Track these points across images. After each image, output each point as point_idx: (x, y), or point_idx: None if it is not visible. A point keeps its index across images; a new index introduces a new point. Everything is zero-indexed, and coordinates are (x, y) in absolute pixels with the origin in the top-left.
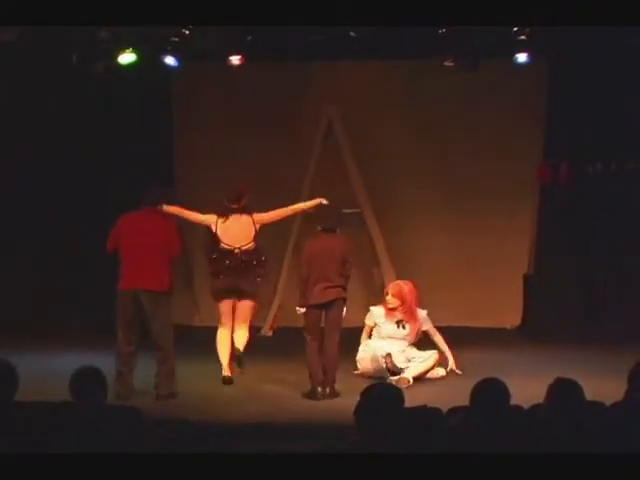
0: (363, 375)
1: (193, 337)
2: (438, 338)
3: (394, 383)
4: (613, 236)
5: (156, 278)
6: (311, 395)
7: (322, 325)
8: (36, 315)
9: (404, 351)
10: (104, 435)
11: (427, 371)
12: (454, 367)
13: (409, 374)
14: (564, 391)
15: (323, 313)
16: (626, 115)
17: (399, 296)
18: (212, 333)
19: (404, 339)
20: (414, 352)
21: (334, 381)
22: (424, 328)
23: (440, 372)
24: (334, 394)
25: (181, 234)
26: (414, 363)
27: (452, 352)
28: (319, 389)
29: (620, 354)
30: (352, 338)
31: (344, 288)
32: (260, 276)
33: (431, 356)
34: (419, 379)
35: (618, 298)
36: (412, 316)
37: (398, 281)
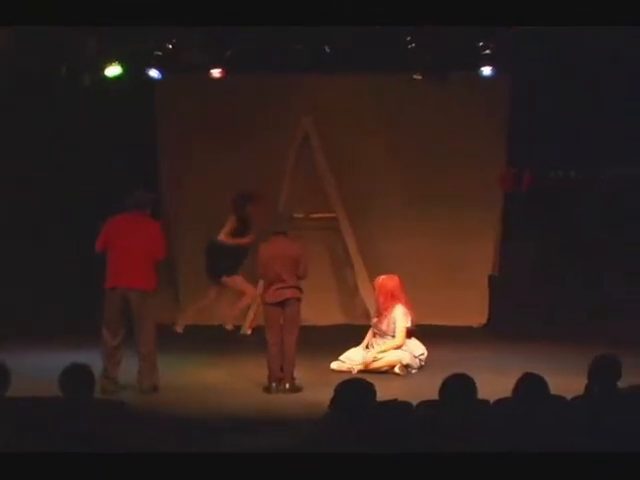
0: (340, 370)
1: (175, 334)
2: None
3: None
4: (572, 241)
5: (143, 277)
6: (268, 389)
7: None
8: (29, 315)
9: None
10: (91, 428)
11: (376, 370)
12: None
13: (357, 367)
14: (531, 385)
15: (282, 312)
16: (584, 126)
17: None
18: (193, 331)
19: (381, 333)
20: (377, 351)
21: (293, 377)
22: (399, 323)
23: (397, 370)
24: (294, 389)
25: (165, 237)
26: (369, 358)
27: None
28: (274, 384)
29: (580, 350)
30: (327, 336)
31: (298, 288)
32: None
33: (382, 359)
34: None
35: (577, 297)
36: (378, 309)
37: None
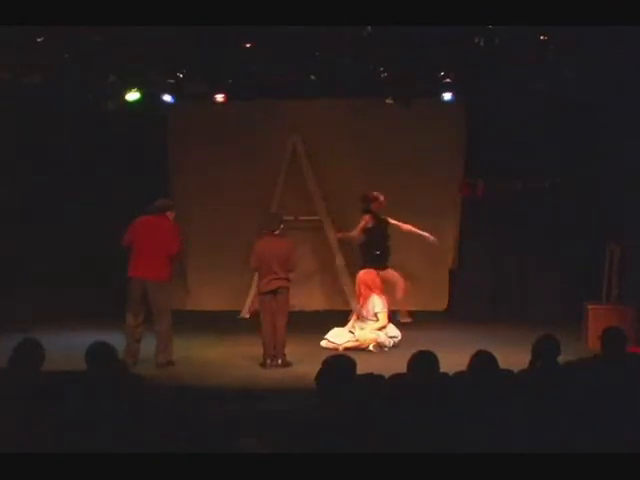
0: (328, 348)
1: (185, 318)
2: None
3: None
4: (518, 240)
5: (158, 270)
6: (263, 364)
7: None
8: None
9: (352, 327)
10: (112, 395)
11: (357, 347)
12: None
13: (342, 345)
14: (483, 361)
15: (274, 299)
16: (531, 143)
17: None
18: (200, 316)
19: (362, 318)
20: (358, 332)
21: (284, 354)
22: (380, 309)
23: (371, 348)
24: (285, 364)
25: (180, 236)
26: (352, 337)
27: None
28: (268, 360)
29: (525, 331)
30: (312, 319)
31: (287, 279)
32: None
33: (365, 340)
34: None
35: (523, 289)
36: (358, 297)
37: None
